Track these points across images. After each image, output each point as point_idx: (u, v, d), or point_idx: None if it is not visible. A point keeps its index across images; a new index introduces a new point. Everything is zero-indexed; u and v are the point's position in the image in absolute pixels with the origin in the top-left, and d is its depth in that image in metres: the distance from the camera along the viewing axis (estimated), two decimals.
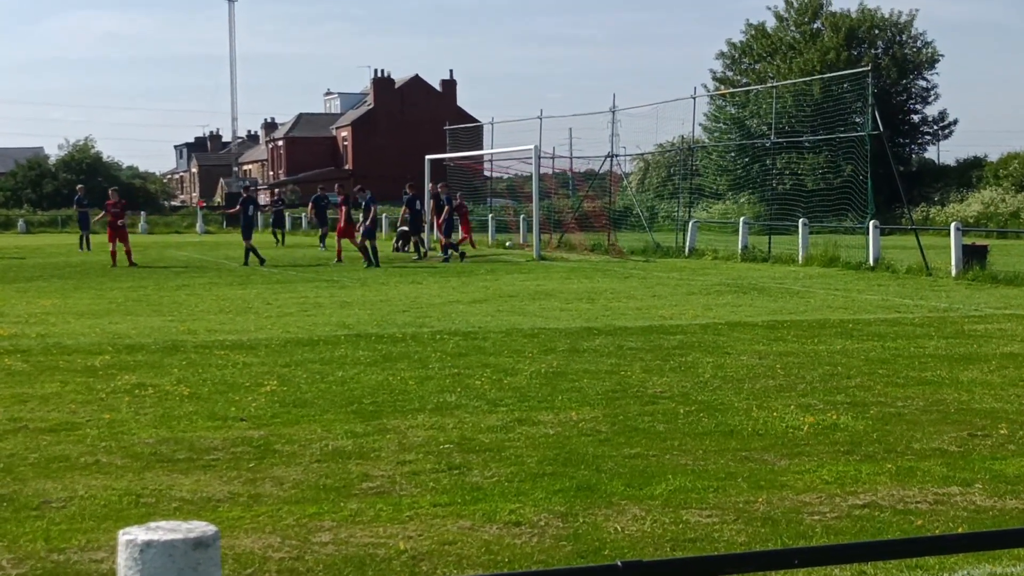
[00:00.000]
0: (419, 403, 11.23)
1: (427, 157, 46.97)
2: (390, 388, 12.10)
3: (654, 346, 15.24)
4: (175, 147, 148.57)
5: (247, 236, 33.69)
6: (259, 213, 52.20)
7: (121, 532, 3.00)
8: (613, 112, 42.28)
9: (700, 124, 63.49)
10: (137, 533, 2.96)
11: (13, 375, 13.13)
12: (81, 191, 43.64)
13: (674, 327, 17.34)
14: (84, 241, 43.32)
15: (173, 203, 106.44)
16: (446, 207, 36.45)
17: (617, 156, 43.56)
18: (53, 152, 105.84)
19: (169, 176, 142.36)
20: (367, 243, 32.77)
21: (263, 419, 10.50)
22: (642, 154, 60.89)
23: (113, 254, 33.45)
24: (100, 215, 35.92)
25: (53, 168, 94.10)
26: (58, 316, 19.48)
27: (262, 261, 32.95)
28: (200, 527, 2.98)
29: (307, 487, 8.13)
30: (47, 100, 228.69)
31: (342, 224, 34.55)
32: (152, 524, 3.00)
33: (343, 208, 34.82)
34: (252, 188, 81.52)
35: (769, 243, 34.82)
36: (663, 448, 9.27)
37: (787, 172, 52.90)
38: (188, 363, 13.93)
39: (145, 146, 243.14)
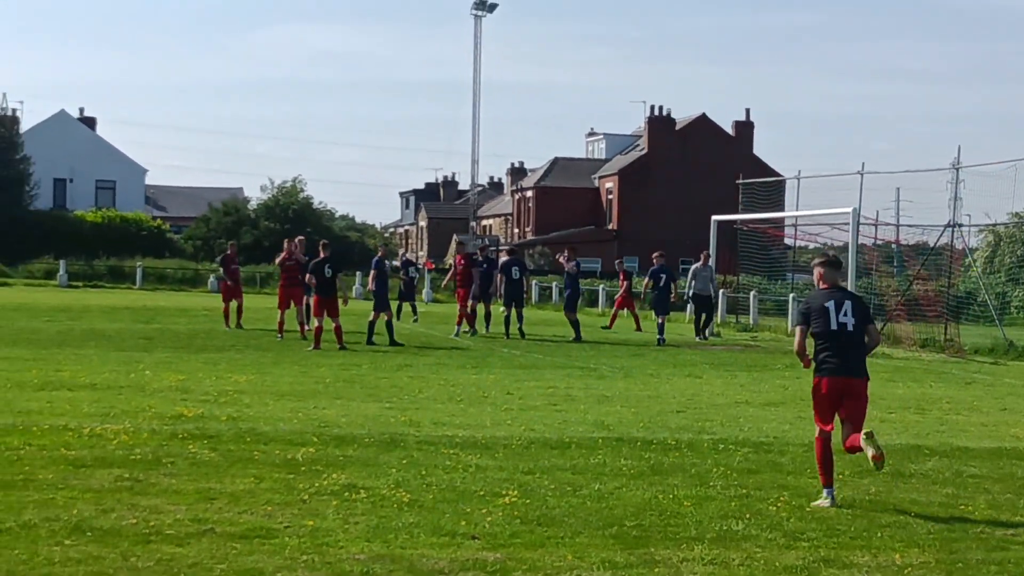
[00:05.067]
0: (696, 530, 11.17)
1: (713, 218, 47.11)
2: (659, 508, 12.08)
3: (1004, 475, 14.83)
4: (400, 194, 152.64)
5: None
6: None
7: None
8: (956, 169, 41.55)
9: None
10: None
11: (199, 466, 13.61)
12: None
13: None
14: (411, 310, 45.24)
15: (395, 263, 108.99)
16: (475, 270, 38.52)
17: (960, 226, 42.71)
18: (254, 194, 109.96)
19: (392, 230, 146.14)
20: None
21: (500, 538, 10.60)
22: (993, 225, 59.58)
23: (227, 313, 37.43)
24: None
25: (253, 214, 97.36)
26: (253, 396, 20.14)
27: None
28: None
29: None
30: (249, 131, 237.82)
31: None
32: None
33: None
34: (490, 247, 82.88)
35: None
36: None
37: None
38: (409, 462, 14.19)
39: (364, 191, 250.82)
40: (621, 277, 48.59)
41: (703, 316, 42.08)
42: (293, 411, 18.35)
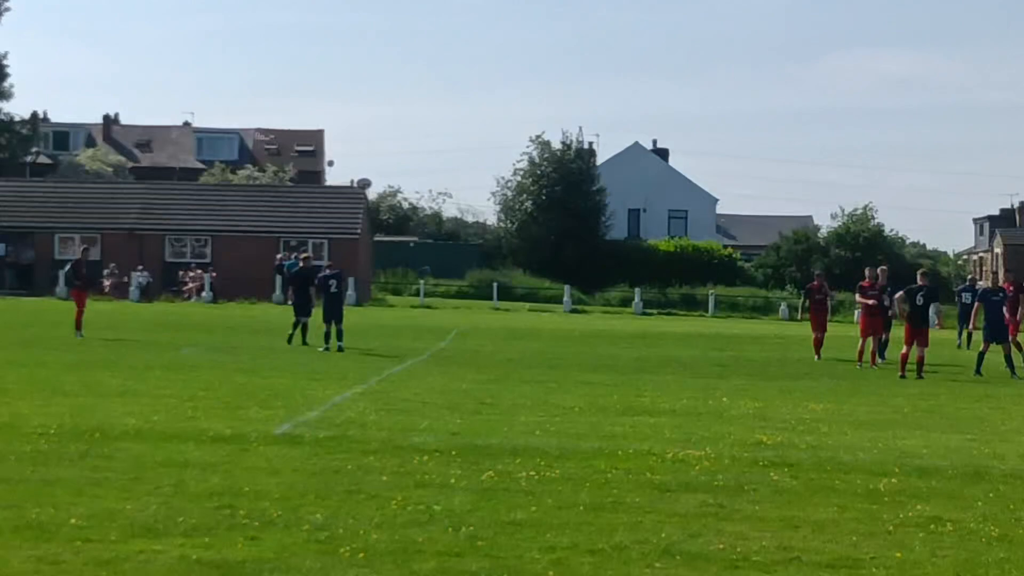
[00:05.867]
0: None
1: None
2: None
3: None
4: (974, 220, 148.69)
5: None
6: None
7: None
8: None
9: None
10: None
11: (781, 493, 13.68)
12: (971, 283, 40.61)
13: None
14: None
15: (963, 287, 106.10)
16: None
17: None
18: (824, 222, 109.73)
19: (965, 256, 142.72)
20: None
21: None
22: None
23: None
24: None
25: (823, 242, 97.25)
26: (831, 424, 20.07)
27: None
28: None
29: None
30: (819, 159, 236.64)
31: None
32: None
33: None
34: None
35: None
36: None
37: None
38: (995, 496, 13.83)
39: (936, 218, 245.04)
40: None
41: None
42: (872, 440, 18.18)
